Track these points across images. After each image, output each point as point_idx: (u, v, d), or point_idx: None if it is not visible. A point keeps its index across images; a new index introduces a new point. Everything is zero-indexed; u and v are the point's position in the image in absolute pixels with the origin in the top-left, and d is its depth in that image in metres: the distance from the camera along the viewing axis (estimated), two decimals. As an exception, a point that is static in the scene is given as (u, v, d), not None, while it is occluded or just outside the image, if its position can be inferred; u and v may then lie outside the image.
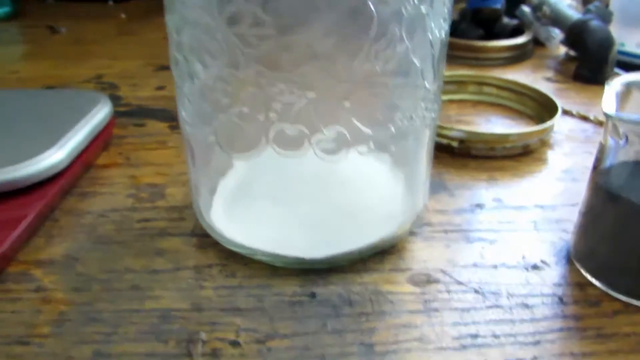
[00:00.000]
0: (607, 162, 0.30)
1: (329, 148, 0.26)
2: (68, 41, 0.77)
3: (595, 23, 0.60)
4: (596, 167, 0.31)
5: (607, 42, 0.59)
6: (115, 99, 0.56)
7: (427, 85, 0.27)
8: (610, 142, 0.29)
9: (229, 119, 0.26)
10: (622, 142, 0.28)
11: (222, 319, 0.29)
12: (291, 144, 0.26)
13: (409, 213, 0.33)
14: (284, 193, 0.34)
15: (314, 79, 0.24)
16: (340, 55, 0.24)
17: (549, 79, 0.64)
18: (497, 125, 0.52)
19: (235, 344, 0.27)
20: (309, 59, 0.24)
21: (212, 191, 0.34)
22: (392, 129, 0.27)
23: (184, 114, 0.29)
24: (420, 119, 0.28)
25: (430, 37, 0.26)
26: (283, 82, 0.24)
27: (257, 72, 0.24)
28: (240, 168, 0.34)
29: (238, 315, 0.29)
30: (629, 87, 0.30)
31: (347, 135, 0.26)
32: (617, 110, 0.27)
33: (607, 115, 0.27)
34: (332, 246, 0.32)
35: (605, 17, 0.64)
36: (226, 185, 0.35)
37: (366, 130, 0.26)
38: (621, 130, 0.28)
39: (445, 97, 0.56)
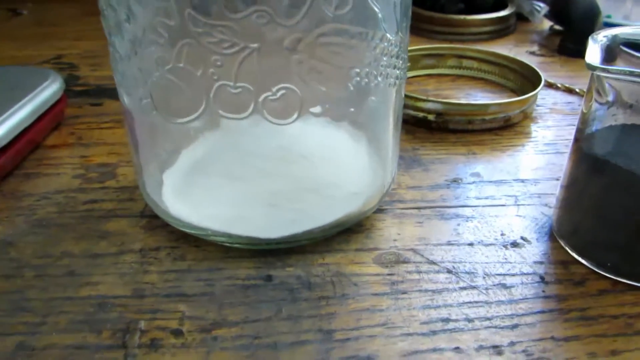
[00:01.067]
0: (592, 128, 0.27)
1: (278, 109, 0.23)
2: (30, 23, 0.74)
3: (580, -7, 0.57)
4: (579, 135, 0.28)
5: (592, 14, 0.56)
6: (73, 79, 0.53)
7: (389, 36, 0.24)
8: (594, 106, 0.26)
9: (164, 77, 0.23)
10: (610, 97, 0.25)
11: (165, 306, 0.26)
12: (236, 105, 0.23)
13: (376, 188, 0.30)
14: (242, 169, 0.31)
15: (257, 27, 0.21)
16: (287, -1, 0.21)
17: (532, 53, 0.61)
18: (478, 99, 0.49)
19: (177, 333, 0.24)
20: (250, 3, 0.21)
21: (163, 168, 0.31)
22: (350, 86, 0.24)
23: (119, 77, 0.26)
24: (383, 77, 0.25)
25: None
26: (221, 31, 0.21)
27: (191, 20, 0.21)
28: (195, 143, 0.31)
29: (183, 302, 0.26)
30: (615, 41, 0.27)
31: (299, 94, 0.23)
32: (602, 62, 0.24)
33: (591, 68, 0.24)
34: (292, 225, 0.29)
35: (591, -12, 0.61)
36: (179, 161, 0.32)
37: (320, 87, 0.23)
38: (607, 86, 0.25)
39: (423, 72, 0.53)
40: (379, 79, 0.25)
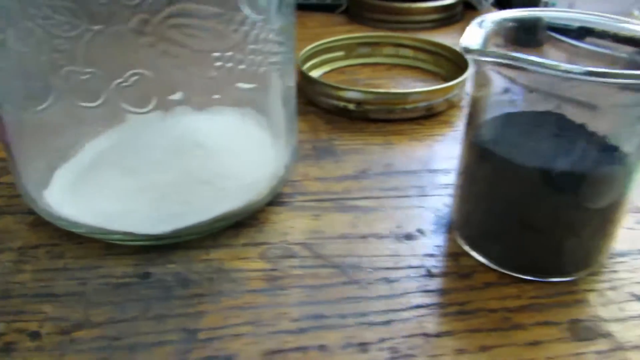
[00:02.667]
0: (479, 116, 0.26)
1: (134, 96, 0.22)
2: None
3: (520, -21, 0.56)
4: (469, 122, 0.27)
5: (533, 2, 0.55)
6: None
7: (255, 19, 0.23)
8: (480, 92, 0.25)
9: (10, 62, 0.21)
10: (492, 84, 0.24)
11: (30, 307, 0.25)
12: (87, 92, 0.22)
13: (266, 179, 0.29)
14: (135, 162, 0.30)
15: (97, 7, 0.20)
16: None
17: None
18: (409, 88, 0.48)
19: (35, 335, 0.23)
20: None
21: (54, 165, 0.29)
22: (212, 72, 0.23)
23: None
24: (255, 62, 0.24)
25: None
26: (59, 11, 0.20)
27: (28, 1, 0.20)
28: (94, 138, 0.30)
29: (50, 302, 0.25)
30: (501, 25, 0.26)
31: (153, 79, 0.22)
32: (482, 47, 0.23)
33: (467, 51, 0.23)
34: (176, 219, 0.28)
35: (535, -26, 0.60)
36: (76, 157, 0.30)
37: (177, 72, 0.22)
38: (484, 72, 0.24)
39: (358, 61, 0.52)
40: (248, 63, 0.24)
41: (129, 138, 0.28)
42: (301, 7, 0.69)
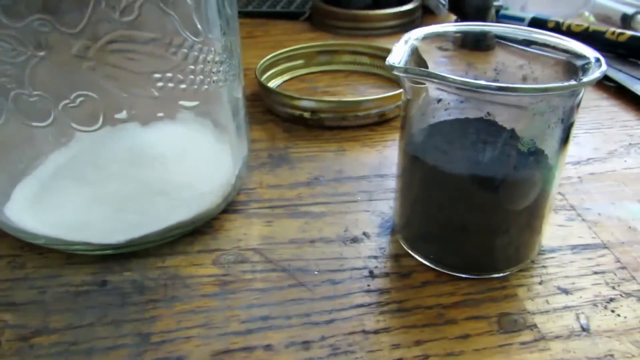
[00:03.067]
0: (411, 125, 0.28)
1: (81, 116, 0.23)
2: None
3: (472, -14, 0.58)
4: (402, 130, 0.28)
5: (484, 6, 0.57)
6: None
7: (193, 41, 0.24)
8: (412, 102, 0.27)
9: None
10: (414, 96, 0.26)
11: (-10, 317, 0.26)
12: (37, 113, 0.23)
13: (219, 188, 0.30)
14: (93, 173, 0.31)
15: (40, 35, 0.21)
16: (66, 6, 0.21)
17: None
18: (365, 94, 0.50)
19: (-5, 343, 0.24)
20: (28, 11, 0.21)
21: (14, 179, 0.30)
22: (154, 92, 0.24)
23: None
24: (197, 81, 0.25)
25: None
26: (3, 39, 0.21)
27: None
28: (55, 151, 0.31)
29: (10, 311, 0.26)
30: (423, 40, 0.28)
31: (98, 100, 0.23)
32: (406, 63, 0.25)
33: (390, 68, 0.25)
34: (132, 229, 0.29)
35: (488, -19, 0.62)
36: (37, 171, 0.31)
37: (120, 93, 0.23)
38: (406, 85, 0.26)
39: (318, 69, 0.54)
40: (189, 82, 0.25)
41: (85, 151, 0.30)
42: (266, 15, 0.71)
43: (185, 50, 0.24)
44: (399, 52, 0.26)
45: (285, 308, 0.26)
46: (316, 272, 0.28)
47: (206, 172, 0.31)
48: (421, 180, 0.27)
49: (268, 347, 0.24)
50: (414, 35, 0.27)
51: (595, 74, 0.23)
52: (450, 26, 0.29)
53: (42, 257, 0.29)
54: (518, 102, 0.25)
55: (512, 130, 0.26)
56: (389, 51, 0.51)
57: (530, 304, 0.26)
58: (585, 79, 0.23)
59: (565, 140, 0.25)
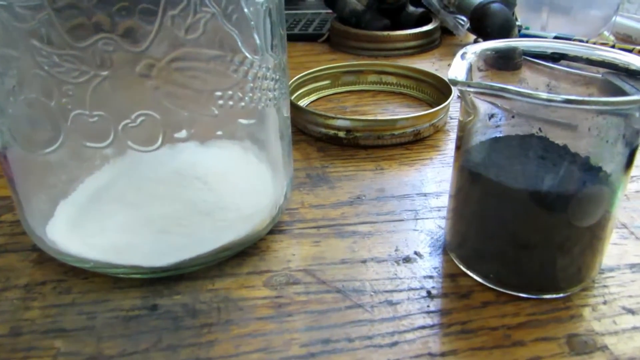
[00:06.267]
0: (468, 141, 0.27)
1: (140, 136, 0.23)
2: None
3: (495, 6, 0.58)
4: (459, 147, 0.28)
5: (508, 26, 0.57)
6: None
7: (253, 58, 0.24)
8: (468, 118, 0.27)
9: (19, 109, 0.22)
10: (479, 111, 0.25)
11: (41, 343, 0.25)
12: (95, 134, 0.23)
13: (267, 208, 0.30)
14: (136, 195, 0.31)
15: (104, 54, 0.21)
16: (132, 24, 0.21)
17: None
18: (395, 113, 0.49)
19: (49, 371, 0.24)
20: (94, 30, 0.20)
21: (56, 200, 0.30)
22: (215, 110, 0.24)
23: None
24: (254, 98, 0.25)
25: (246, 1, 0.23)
26: (67, 60, 0.21)
27: (35, 50, 0.20)
28: (94, 173, 0.30)
29: (61, 337, 0.25)
30: (480, 56, 0.27)
31: (159, 119, 0.23)
32: (466, 78, 0.25)
33: (452, 82, 0.24)
34: (180, 251, 0.28)
35: (509, 0, 0.62)
36: (77, 192, 0.31)
37: (181, 112, 0.23)
38: (470, 100, 0.25)
39: (344, 89, 0.54)
40: (248, 100, 0.25)
41: (129, 172, 0.29)
42: (284, 37, 0.71)
43: (245, 68, 0.24)
44: (458, 67, 0.25)
45: (345, 330, 0.25)
46: (372, 293, 0.27)
47: (254, 193, 0.30)
48: (480, 197, 0.26)
49: (333, 372, 0.23)
50: (471, 50, 0.27)
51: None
52: (509, 42, 0.28)
53: (87, 282, 0.29)
54: (576, 116, 0.24)
55: (568, 146, 0.25)
56: (415, 71, 0.51)
57: (598, 325, 0.26)
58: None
59: (630, 159, 0.25)
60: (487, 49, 0.28)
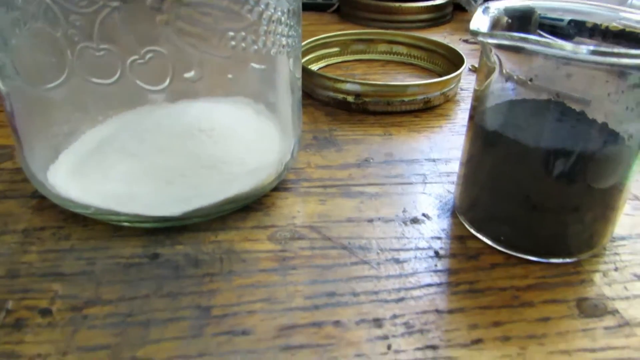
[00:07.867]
0: (484, 104, 0.27)
1: (148, 73, 0.22)
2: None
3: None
4: (473, 111, 0.27)
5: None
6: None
7: (270, 0, 0.23)
8: (485, 82, 0.26)
9: (23, 39, 0.21)
10: (497, 68, 0.24)
11: (38, 286, 0.24)
12: (102, 69, 0.22)
13: (273, 164, 0.29)
14: (139, 145, 0.30)
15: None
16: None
17: (465, 41, 0.61)
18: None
19: (45, 312, 0.23)
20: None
21: (60, 148, 0.29)
22: (226, 51, 0.23)
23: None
24: (267, 43, 0.24)
25: None
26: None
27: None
28: (98, 123, 0.30)
29: (59, 281, 0.25)
30: (503, 13, 0.27)
31: (169, 57, 0.22)
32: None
33: (474, 33, 0.23)
34: (184, 202, 0.28)
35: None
36: (81, 140, 0.30)
37: (192, 51, 0.22)
38: (493, 55, 0.24)
39: (353, 57, 0.53)
40: (260, 44, 0.24)
41: (134, 122, 0.28)
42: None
43: (260, 9, 0.23)
44: (481, 19, 0.24)
45: (351, 285, 0.25)
46: (378, 251, 0.27)
47: (261, 148, 0.29)
48: (497, 158, 0.26)
49: (337, 324, 0.23)
50: (494, 6, 0.26)
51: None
52: (533, 2, 0.27)
53: (87, 229, 0.28)
54: (592, 82, 0.23)
55: (584, 112, 0.25)
56: (427, 41, 0.50)
57: (608, 290, 0.25)
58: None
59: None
60: (509, 8, 0.27)
